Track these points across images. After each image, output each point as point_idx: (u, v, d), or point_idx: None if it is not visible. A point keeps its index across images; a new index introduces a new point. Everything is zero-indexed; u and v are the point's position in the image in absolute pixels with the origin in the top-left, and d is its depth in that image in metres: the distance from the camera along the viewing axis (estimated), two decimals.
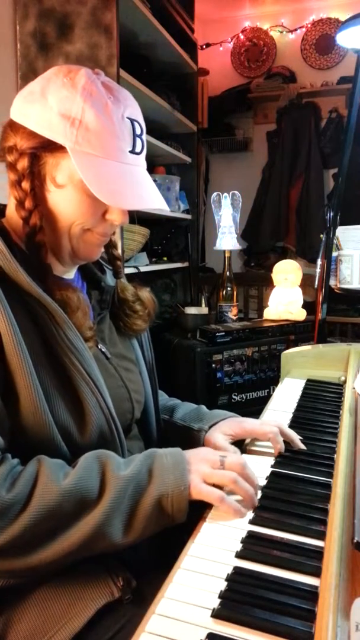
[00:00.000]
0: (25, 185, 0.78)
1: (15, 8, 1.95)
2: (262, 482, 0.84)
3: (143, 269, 2.39)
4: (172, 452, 0.76)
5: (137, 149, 0.82)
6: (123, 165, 0.79)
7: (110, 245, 0.96)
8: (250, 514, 0.75)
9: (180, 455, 0.75)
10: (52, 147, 0.77)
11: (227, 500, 0.72)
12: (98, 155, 0.77)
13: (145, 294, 1.00)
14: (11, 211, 0.84)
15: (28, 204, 0.78)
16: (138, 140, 0.81)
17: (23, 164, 0.78)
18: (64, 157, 0.78)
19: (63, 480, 0.68)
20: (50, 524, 0.66)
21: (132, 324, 0.97)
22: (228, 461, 0.76)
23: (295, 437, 0.96)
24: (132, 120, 0.80)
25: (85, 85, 0.77)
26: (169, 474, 0.71)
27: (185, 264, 3.09)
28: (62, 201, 0.80)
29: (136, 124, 0.81)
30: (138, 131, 0.81)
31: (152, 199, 0.82)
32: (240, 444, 0.99)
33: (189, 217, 3.07)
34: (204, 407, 1.06)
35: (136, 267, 2.32)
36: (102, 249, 0.89)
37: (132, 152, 0.81)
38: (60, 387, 0.76)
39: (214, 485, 0.73)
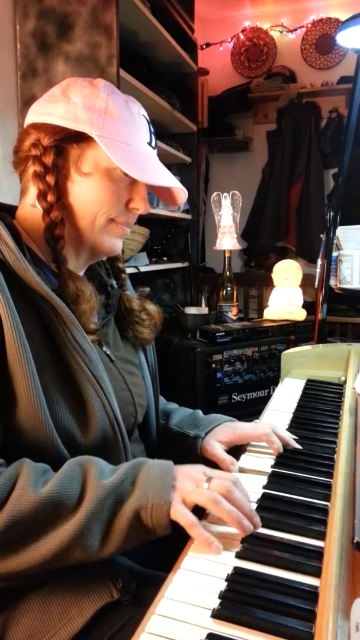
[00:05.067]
0: (50, 178, 0.81)
1: (15, 8, 1.94)
2: (263, 482, 0.84)
3: (143, 269, 2.39)
4: (161, 464, 0.71)
5: (153, 144, 0.89)
6: (145, 152, 0.86)
7: (115, 258, 0.98)
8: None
9: (168, 468, 0.70)
10: (78, 138, 0.81)
11: (198, 529, 0.66)
12: (122, 141, 0.82)
13: (151, 306, 1.00)
14: (25, 211, 0.85)
15: (50, 197, 0.81)
16: (152, 136, 0.89)
17: (49, 157, 0.81)
18: (89, 147, 0.82)
19: (42, 487, 0.65)
20: (24, 530, 0.64)
21: (141, 332, 0.97)
22: (213, 482, 0.70)
23: (289, 438, 0.96)
24: (145, 118, 0.88)
25: (106, 85, 0.85)
26: (152, 486, 0.67)
27: (185, 264, 3.09)
28: (88, 190, 0.83)
29: (149, 123, 0.88)
30: (152, 129, 0.89)
31: (174, 179, 0.88)
32: (238, 447, 0.99)
33: (189, 217, 3.07)
34: (199, 412, 1.06)
35: (136, 267, 2.32)
36: (122, 244, 0.91)
37: (149, 144, 0.87)
38: (64, 388, 0.76)
39: (196, 510, 0.69)
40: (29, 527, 0.64)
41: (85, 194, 0.83)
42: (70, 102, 0.81)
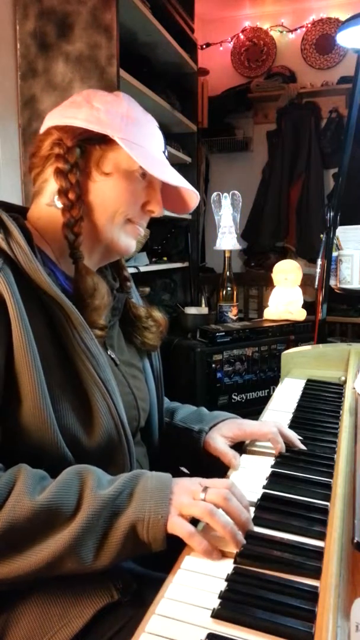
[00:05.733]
0: (72, 176, 0.83)
1: (15, 8, 1.94)
2: (263, 482, 0.84)
3: (143, 269, 2.39)
4: (159, 477, 0.71)
5: (166, 154, 0.94)
6: (161, 159, 0.90)
7: (120, 267, 1.00)
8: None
9: (166, 481, 0.70)
10: (100, 140, 0.84)
11: (196, 538, 0.66)
12: (142, 145, 0.86)
13: (157, 313, 1.02)
14: (39, 211, 0.87)
15: (72, 194, 0.83)
16: (165, 147, 0.94)
17: (72, 155, 0.83)
18: (110, 149, 0.85)
19: (38, 495, 0.65)
20: (18, 537, 0.64)
21: (149, 338, 0.99)
22: (210, 492, 0.69)
23: (295, 438, 0.96)
24: (159, 130, 0.93)
25: (126, 95, 0.90)
26: (149, 499, 0.67)
27: (185, 264, 3.09)
28: (107, 189, 0.86)
29: (163, 135, 0.93)
30: (165, 140, 0.94)
31: (188, 183, 0.92)
32: (241, 444, 0.99)
33: (189, 217, 3.07)
34: (204, 409, 1.06)
35: (136, 267, 2.32)
36: (135, 246, 0.94)
37: (163, 153, 0.92)
38: (70, 390, 0.76)
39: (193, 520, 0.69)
40: (24, 534, 0.64)
41: (105, 192, 0.86)
42: (93, 107, 0.85)
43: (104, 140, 0.84)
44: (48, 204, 0.85)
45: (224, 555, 0.67)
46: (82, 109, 0.85)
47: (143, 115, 0.90)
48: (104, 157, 0.85)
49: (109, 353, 0.89)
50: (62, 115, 0.86)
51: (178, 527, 0.66)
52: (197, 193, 0.95)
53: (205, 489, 0.70)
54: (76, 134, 0.83)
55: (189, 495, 0.69)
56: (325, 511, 0.75)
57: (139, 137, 0.86)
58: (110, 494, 0.67)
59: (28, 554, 0.64)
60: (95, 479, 0.69)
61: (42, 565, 0.64)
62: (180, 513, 0.67)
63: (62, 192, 0.83)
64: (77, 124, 0.84)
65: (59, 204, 0.84)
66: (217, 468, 0.92)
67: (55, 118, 0.87)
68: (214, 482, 0.72)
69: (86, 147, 0.84)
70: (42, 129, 0.88)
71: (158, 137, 0.91)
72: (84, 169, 0.85)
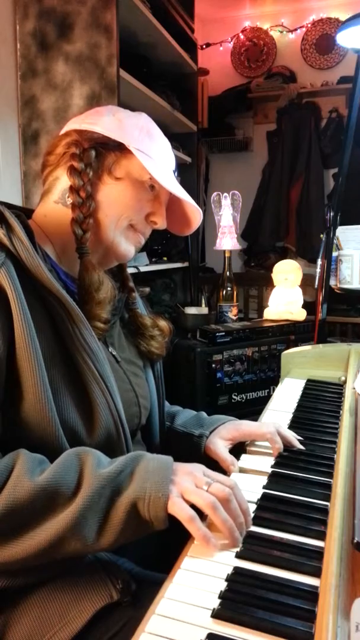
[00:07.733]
0: (85, 175, 0.86)
1: (15, 8, 1.94)
2: (263, 482, 0.84)
3: (143, 269, 2.38)
4: (159, 458, 0.71)
5: (176, 174, 0.97)
6: (171, 175, 0.93)
7: (125, 278, 1.02)
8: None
9: (167, 462, 0.70)
10: (116, 147, 0.88)
11: (196, 523, 0.66)
12: (155, 159, 0.89)
13: (163, 322, 1.03)
14: (46, 208, 0.89)
15: (83, 192, 0.86)
16: (176, 169, 0.95)
17: (88, 156, 0.87)
18: (124, 157, 0.89)
19: (38, 476, 0.66)
20: (20, 518, 0.64)
21: (156, 347, 1.00)
22: (214, 486, 0.69)
23: (293, 439, 0.96)
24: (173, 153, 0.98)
25: (147, 116, 0.95)
26: (150, 479, 0.67)
27: (185, 264, 3.09)
28: (116, 192, 0.89)
29: (175, 159, 0.98)
30: (176, 163, 0.96)
31: (194, 201, 0.95)
32: (241, 444, 0.99)
33: None
34: (203, 414, 1.07)
35: (136, 267, 2.32)
36: (134, 253, 0.96)
37: (174, 172, 0.96)
38: (71, 386, 0.77)
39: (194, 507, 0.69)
40: (25, 516, 0.64)
41: (113, 195, 0.88)
42: (115, 117, 0.90)
43: (120, 148, 0.88)
44: (56, 202, 0.88)
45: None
46: (104, 118, 0.89)
47: (159, 134, 0.94)
48: (117, 163, 0.88)
49: (109, 350, 0.90)
50: (83, 120, 0.90)
51: (178, 508, 0.66)
52: (201, 212, 0.97)
53: (209, 481, 0.70)
54: (94, 138, 0.87)
55: (192, 480, 0.70)
56: (325, 511, 0.75)
57: (153, 151, 0.89)
58: (111, 473, 0.67)
59: (31, 535, 0.64)
60: (94, 459, 0.69)
61: (45, 545, 0.64)
62: (182, 496, 0.68)
63: (73, 190, 0.86)
64: (97, 130, 0.87)
65: (68, 201, 0.86)
66: (217, 471, 0.92)
67: (75, 123, 0.90)
68: (218, 477, 0.72)
69: (101, 151, 0.87)
70: (63, 132, 0.91)
71: (170, 157, 0.95)
72: (96, 171, 0.88)
